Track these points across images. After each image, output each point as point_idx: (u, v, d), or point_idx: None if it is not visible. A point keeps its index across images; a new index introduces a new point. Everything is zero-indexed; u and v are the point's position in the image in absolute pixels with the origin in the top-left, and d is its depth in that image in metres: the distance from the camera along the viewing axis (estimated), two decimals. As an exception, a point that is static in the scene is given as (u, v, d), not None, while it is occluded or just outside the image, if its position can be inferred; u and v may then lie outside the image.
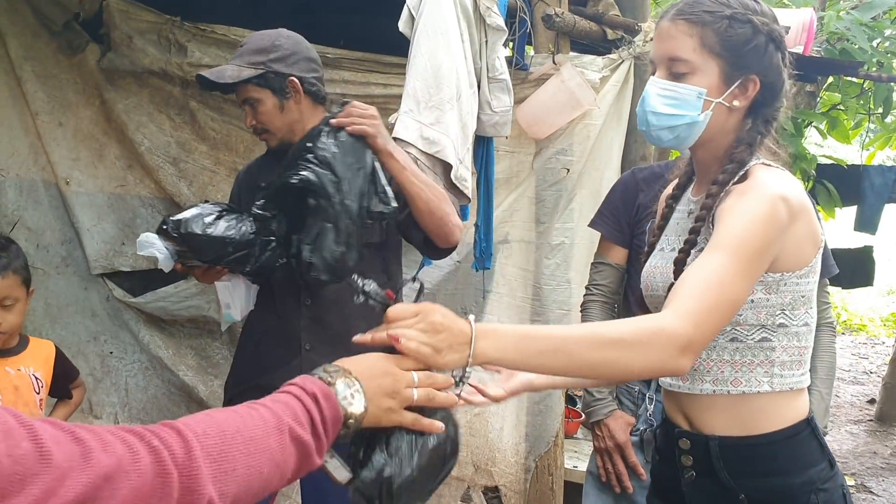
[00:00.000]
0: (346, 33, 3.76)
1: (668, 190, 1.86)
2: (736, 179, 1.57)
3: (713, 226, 1.54)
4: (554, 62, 3.03)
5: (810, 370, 2.46)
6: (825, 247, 2.37)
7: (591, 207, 3.10)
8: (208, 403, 3.56)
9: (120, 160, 3.58)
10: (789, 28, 3.12)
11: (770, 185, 1.51)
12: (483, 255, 3.01)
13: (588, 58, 3.11)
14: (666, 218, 1.80)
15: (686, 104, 1.57)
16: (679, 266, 1.60)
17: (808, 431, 1.64)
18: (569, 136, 3.13)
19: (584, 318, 2.54)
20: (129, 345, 3.65)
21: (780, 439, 1.61)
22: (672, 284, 1.54)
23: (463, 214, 2.81)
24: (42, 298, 3.55)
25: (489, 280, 3.31)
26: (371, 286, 1.37)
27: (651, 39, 3.01)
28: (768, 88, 1.60)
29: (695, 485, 1.68)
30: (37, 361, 2.55)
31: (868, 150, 6.83)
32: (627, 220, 2.44)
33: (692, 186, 1.77)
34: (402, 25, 2.58)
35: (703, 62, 1.56)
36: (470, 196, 2.68)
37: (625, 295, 2.55)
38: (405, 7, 2.57)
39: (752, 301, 1.57)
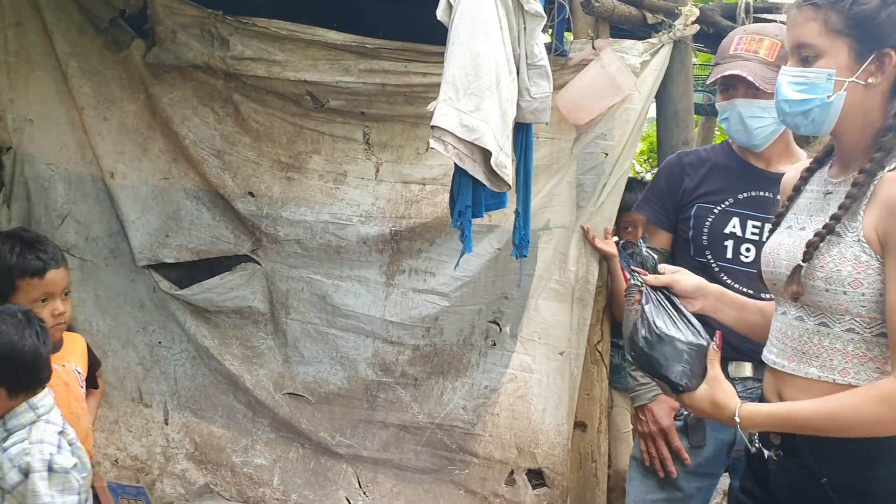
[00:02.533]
0: (386, 22, 3.78)
1: (799, 171, 1.85)
2: (891, 167, 1.57)
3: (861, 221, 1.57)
4: (593, 47, 3.02)
5: None
6: None
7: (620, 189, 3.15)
8: (254, 392, 3.62)
9: (164, 153, 3.65)
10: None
11: None
12: (522, 242, 3.01)
13: (628, 42, 3.09)
14: (796, 193, 1.80)
15: (816, 88, 1.59)
16: (811, 248, 1.61)
17: None
18: (609, 121, 3.12)
19: (628, 302, 2.53)
20: (177, 335, 3.72)
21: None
22: (799, 266, 1.61)
23: (501, 202, 2.81)
24: (92, 290, 3.65)
25: (530, 265, 3.33)
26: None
27: (692, 23, 3.00)
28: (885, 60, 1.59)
29: (780, 464, 1.71)
30: (76, 355, 2.63)
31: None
32: (673, 205, 2.45)
33: (829, 167, 1.77)
34: (441, 13, 2.58)
35: (829, 44, 1.58)
36: (510, 183, 2.68)
37: None
38: (443, -5, 2.57)
39: (876, 294, 1.57)
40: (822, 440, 1.60)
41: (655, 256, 1.90)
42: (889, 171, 1.56)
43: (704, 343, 1.75)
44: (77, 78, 3.51)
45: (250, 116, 3.55)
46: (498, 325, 3.41)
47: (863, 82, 1.57)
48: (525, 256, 3.09)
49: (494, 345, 3.42)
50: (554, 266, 3.35)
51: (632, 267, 1.86)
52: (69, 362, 2.56)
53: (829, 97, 1.58)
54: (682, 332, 1.76)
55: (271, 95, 3.50)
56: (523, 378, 3.36)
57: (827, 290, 1.58)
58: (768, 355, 1.77)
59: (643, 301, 1.80)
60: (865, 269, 1.56)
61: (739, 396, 2.30)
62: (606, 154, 3.15)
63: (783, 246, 1.73)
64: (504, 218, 3.21)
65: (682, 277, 1.86)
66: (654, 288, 1.82)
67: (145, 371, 3.72)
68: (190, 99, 3.57)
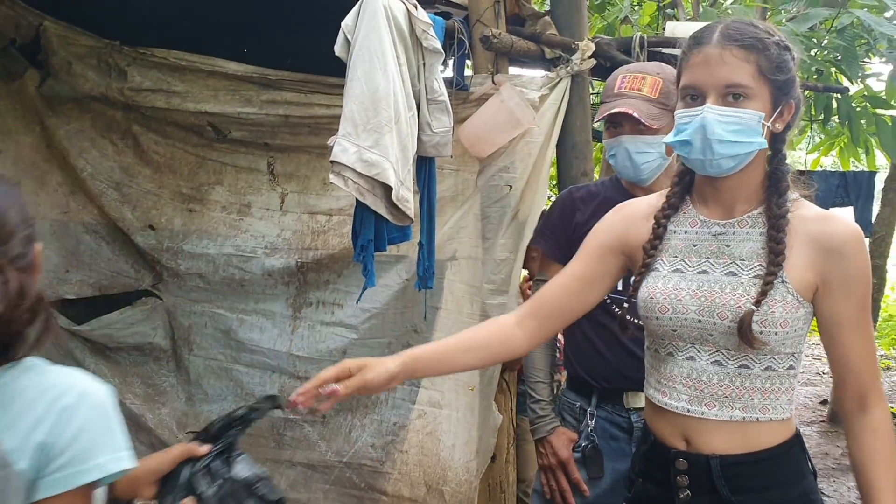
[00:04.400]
0: (293, 53, 3.75)
1: (652, 209, 1.82)
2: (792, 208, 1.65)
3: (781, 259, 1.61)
4: (493, 82, 3.05)
5: None
6: None
7: (533, 222, 3.15)
8: (157, 432, 3.52)
9: (62, 187, 3.54)
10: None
11: (859, 232, 1.67)
12: (426, 273, 3.01)
13: (527, 77, 3.15)
14: (659, 237, 1.76)
15: (749, 130, 1.59)
16: (763, 296, 1.61)
17: (798, 444, 1.72)
18: (511, 154, 3.15)
19: None
20: (75, 374, 3.59)
21: (780, 454, 1.67)
22: (750, 312, 1.60)
23: (405, 235, 2.82)
24: (-16, 329, 3.49)
25: (438, 297, 3.32)
26: None
27: (589, 57, 3.06)
28: (797, 113, 1.67)
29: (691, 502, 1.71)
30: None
31: (812, 155, 6.97)
32: (566, 239, 2.47)
33: (691, 207, 1.77)
34: (339, 49, 2.59)
35: (758, 88, 1.59)
36: (412, 217, 2.69)
37: None
38: (340, 31, 2.57)
39: (794, 331, 1.63)
40: (736, 468, 1.65)
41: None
42: (796, 210, 1.65)
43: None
44: (-33, 110, 3.39)
45: (150, 148, 3.48)
46: (406, 358, 3.40)
47: (774, 129, 1.63)
48: (430, 288, 3.09)
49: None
50: (464, 299, 3.35)
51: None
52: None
53: (762, 140, 1.61)
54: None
55: (172, 126, 3.44)
56: (432, 414, 3.35)
57: (761, 333, 1.61)
58: (675, 403, 1.72)
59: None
60: (792, 309, 1.61)
61: (634, 427, 2.36)
62: (510, 186, 3.18)
63: (685, 291, 1.69)
64: (412, 248, 3.21)
65: (371, 380, 1.73)
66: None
67: (42, 412, 3.57)
68: (87, 130, 3.48)
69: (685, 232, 1.75)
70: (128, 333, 3.53)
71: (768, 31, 1.63)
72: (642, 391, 2.31)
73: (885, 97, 5.47)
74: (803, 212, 1.66)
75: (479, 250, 3.31)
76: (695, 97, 1.63)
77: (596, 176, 4.45)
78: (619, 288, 2.36)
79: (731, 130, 1.58)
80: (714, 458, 1.66)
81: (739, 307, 1.62)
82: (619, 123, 2.33)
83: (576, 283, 1.87)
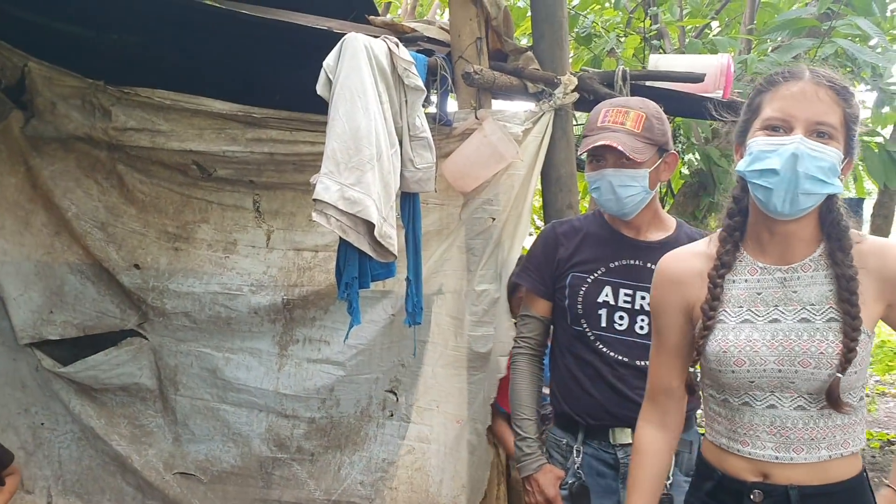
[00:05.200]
0: (280, 91, 3.76)
1: (708, 264, 1.78)
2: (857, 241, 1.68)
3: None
4: (476, 117, 3.06)
5: None
6: None
7: (517, 253, 3.16)
8: (143, 473, 3.48)
9: (47, 227, 3.52)
10: (705, 75, 3.19)
11: None
12: (415, 309, 3.00)
13: (510, 111, 3.16)
14: (717, 298, 1.73)
15: (832, 171, 1.59)
16: (853, 343, 1.61)
17: (867, 476, 1.75)
18: (494, 187, 3.15)
19: (515, 372, 2.57)
20: (61, 415, 3.56)
21: (854, 486, 1.71)
22: (837, 380, 1.61)
23: (389, 271, 2.81)
24: (-32, 372, 3.47)
25: (425, 331, 3.31)
26: None
27: (571, 91, 3.07)
28: (850, 168, 1.69)
29: None
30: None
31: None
32: (550, 274, 2.47)
33: (746, 254, 1.75)
34: (320, 88, 2.60)
35: (840, 133, 1.61)
36: (395, 253, 2.68)
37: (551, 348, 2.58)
38: (322, 70, 2.59)
39: (866, 364, 1.68)
40: (813, 500, 1.68)
41: None
42: (863, 243, 1.68)
43: None
44: (-49, 151, 3.38)
45: (135, 187, 3.47)
46: (395, 394, 3.37)
47: (841, 177, 1.64)
48: (419, 323, 3.08)
49: (392, 415, 3.37)
50: (449, 332, 3.33)
51: None
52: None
53: (839, 183, 1.62)
54: None
55: (157, 165, 3.43)
56: (421, 449, 3.32)
57: (845, 392, 1.65)
58: (760, 451, 1.71)
59: None
60: (865, 346, 1.65)
61: (621, 463, 2.34)
62: (493, 219, 3.18)
63: (760, 342, 1.68)
64: (397, 283, 3.20)
65: None
66: None
67: (27, 455, 3.54)
68: (72, 171, 3.47)
69: (745, 280, 1.74)
70: (114, 374, 3.49)
71: (851, 84, 1.69)
72: (629, 427, 2.31)
73: (870, 124, 5.49)
74: (861, 246, 1.68)
75: (464, 283, 3.30)
76: (778, 129, 1.61)
77: (583, 209, 4.46)
78: (603, 325, 2.35)
79: (819, 167, 1.57)
80: (793, 488, 1.68)
81: (821, 353, 1.63)
82: (603, 157, 2.32)
83: (681, 352, 1.86)
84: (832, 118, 1.59)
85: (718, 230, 1.82)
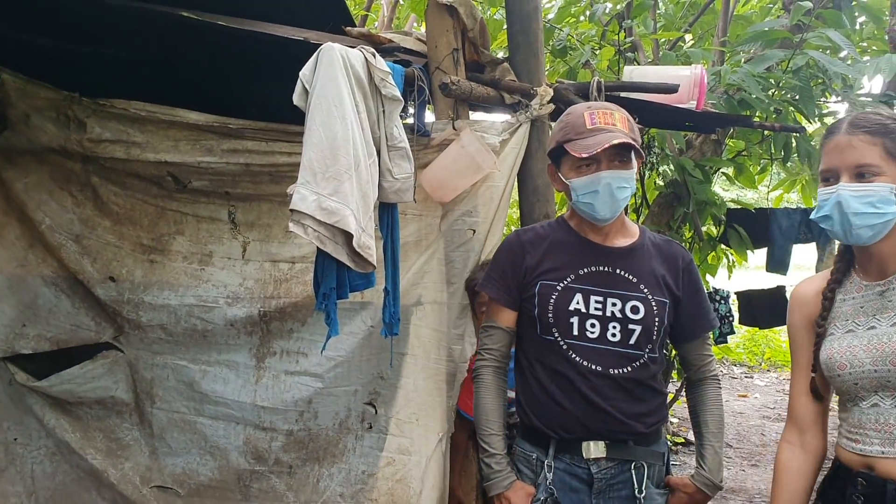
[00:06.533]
0: (259, 101, 3.76)
1: (822, 283, 2.08)
2: None
3: None
4: (454, 128, 3.07)
5: (700, 424, 2.50)
6: (706, 300, 2.46)
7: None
8: (119, 487, 3.43)
9: (20, 240, 3.49)
10: (679, 85, 3.23)
11: None
12: (392, 320, 3.00)
13: (487, 122, 3.17)
14: (826, 310, 2.03)
15: (883, 201, 1.85)
16: None
17: None
18: (473, 199, 3.16)
19: (478, 384, 2.52)
20: (34, 430, 3.51)
21: None
22: None
23: (369, 281, 2.80)
24: (-61, 387, 3.42)
25: (404, 343, 3.30)
26: None
27: (547, 102, 3.09)
28: None
29: None
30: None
31: (775, 192, 7.07)
32: (516, 283, 2.43)
33: (857, 276, 2.02)
34: (297, 98, 2.59)
35: (886, 165, 1.86)
36: (374, 263, 2.68)
37: (516, 359, 2.54)
38: (299, 80, 2.58)
39: None
40: None
41: None
42: None
43: None
44: (-78, 164, 3.34)
45: (110, 199, 3.45)
46: (374, 406, 3.35)
47: None
48: (396, 334, 3.07)
49: (371, 427, 3.35)
50: (431, 344, 3.32)
51: None
52: None
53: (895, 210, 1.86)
54: None
55: (132, 177, 3.41)
56: (401, 461, 3.29)
57: None
58: (868, 448, 1.92)
59: None
60: None
61: (595, 478, 2.32)
62: (474, 231, 3.19)
63: (859, 347, 1.92)
64: (376, 295, 3.19)
65: None
66: None
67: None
68: (46, 183, 3.44)
69: (853, 298, 2.01)
70: (89, 388, 3.45)
71: (892, 117, 1.90)
72: (602, 440, 2.31)
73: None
74: None
75: (445, 295, 3.30)
76: (828, 179, 1.92)
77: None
78: (575, 333, 2.33)
79: (865, 202, 1.85)
80: (892, 483, 1.85)
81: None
82: (597, 160, 2.25)
83: (806, 371, 2.10)
84: (869, 158, 1.86)
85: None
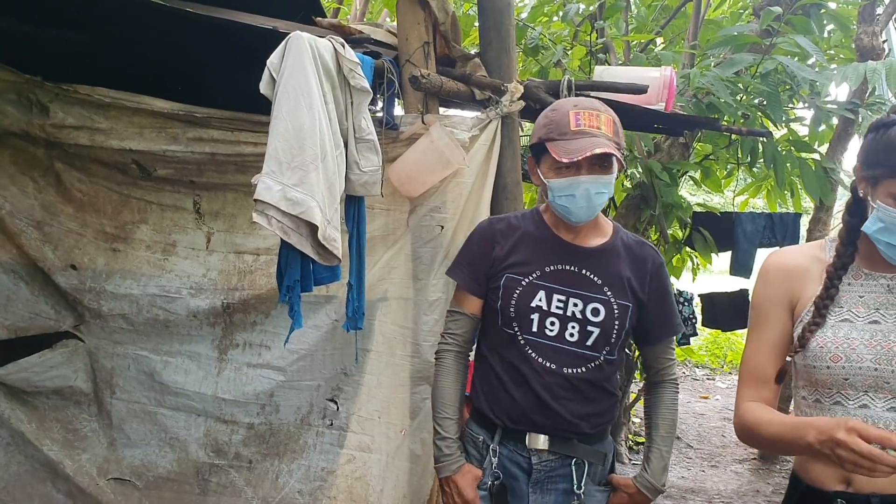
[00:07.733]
0: (226, 90, 3.70)
1: (817, 266, 1.91)
2: None
3: None
4: (423, 122, 3.06)
5: (652, 427, 2.51)
6: (673, 304, 2.45)
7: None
8: (75, 479, 3.38)
9: (-22, 225, 3.41)
10: (648, 86, 3.24)
11: None
12: (356, 314, 2.98)
13: (457, 118, 3.16)
14: (831, 297, 1.84)
15: None
16: None
17: None
18: (442, 194, 3.15)
19: (439, 367, 2.52)
20: (-11, 420, 3.44)
21: None
22: None
23: (334, 275, 2.78)
24: None
25: (368, 339, 3.28)
26: None
27: (518, 99, 3.09)
28: None
29: None
30: None
31: (741, 196, 7.14)
32: (484, 272, 2.42)
33: (856, 263, 1.86)
34: (264, 87, 2.56)
35: None
36: (339, 256, 2.65)
37: (477, 343, 2.55)
38: (266, 69, 2.55)
39: None
40: None
41: None
42: None
43: None
44: None
45: (73, 185, 3.38)
46: (336, 403, 3.33)
47: None
48: (360, 328, 3.05)
49: (332, 424, 3.33)
50: (396, 341, 3.31)
51: None
52: None
53: None
54: None
55: (95, 164, 3.35)
56: (362, 459, 3.28)
57: None
58: None
59: None
60: None
61: (534, 468, 2.34)
62: (442, 227, 3.18)
63: (858, 340, 1.78)
64: (342, 288, 3.17)
65: None
66: None
67: (-48, 461, 3.42)
68: (7, 167, 3.36)
69: (849, 284, 1.85)
70: (47, 377, 3.39)
71: None
72: (544, 434, 2.32)
73: (808, 141, 5.64)
74: None
75: (411, 291, 3.29)
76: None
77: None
78: (534, 329, 2.33)
79: None
80: (875, 497, 1.72)
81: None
82: (577, 165, 2.22)
83: (779, 346, 1.92)
84: None
85: (837, 234, 1.93)
